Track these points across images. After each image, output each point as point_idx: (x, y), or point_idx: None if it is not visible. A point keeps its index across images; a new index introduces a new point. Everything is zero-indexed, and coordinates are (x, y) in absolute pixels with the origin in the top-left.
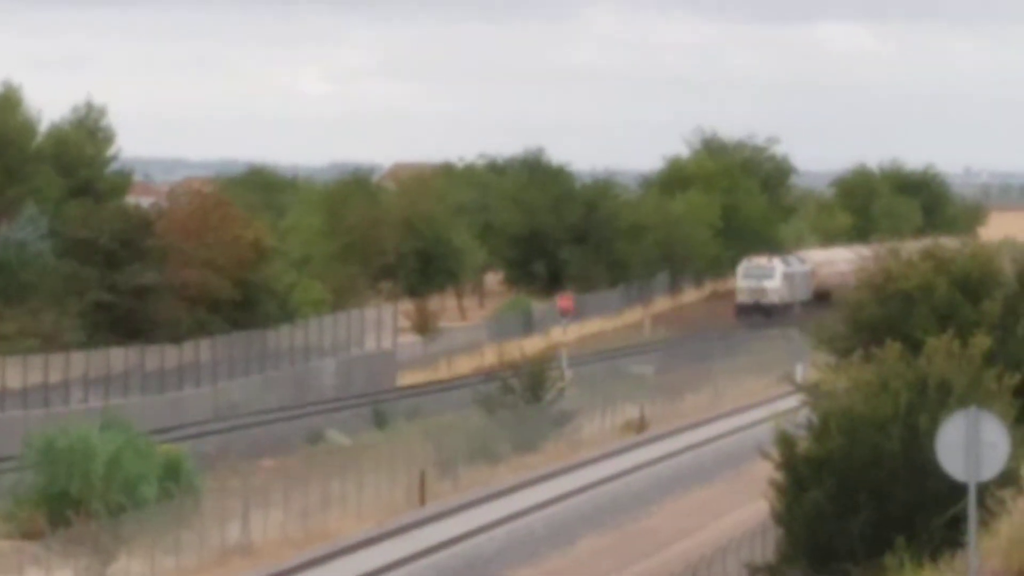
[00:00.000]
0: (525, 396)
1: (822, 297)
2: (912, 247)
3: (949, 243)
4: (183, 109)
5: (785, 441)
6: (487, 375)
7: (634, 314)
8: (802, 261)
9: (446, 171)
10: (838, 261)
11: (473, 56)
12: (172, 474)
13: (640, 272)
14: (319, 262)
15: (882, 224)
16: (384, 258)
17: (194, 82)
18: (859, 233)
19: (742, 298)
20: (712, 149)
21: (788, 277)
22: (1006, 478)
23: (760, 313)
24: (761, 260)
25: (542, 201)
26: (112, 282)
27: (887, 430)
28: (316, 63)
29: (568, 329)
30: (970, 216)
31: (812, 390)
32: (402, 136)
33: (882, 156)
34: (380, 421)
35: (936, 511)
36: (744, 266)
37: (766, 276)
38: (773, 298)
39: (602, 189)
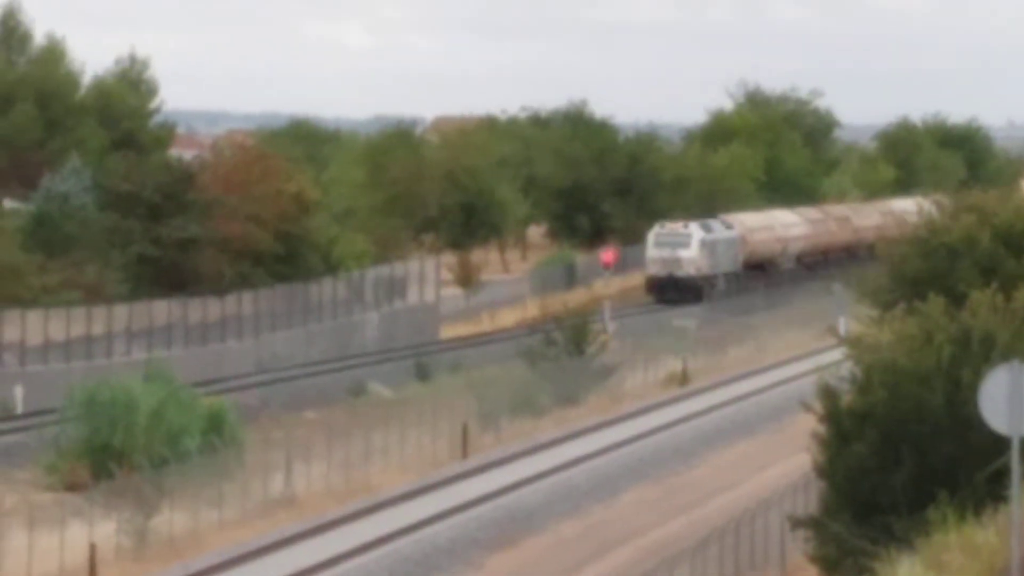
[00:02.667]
0: (568, 349)
1: (754, 268)
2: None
3: (991, 197)
4: (226, 62)
5: (828, 394)
6: (530, 328)
7: None
8: (728, 226)
9: (489, 124)
10: (776, 226)
11: (517, 9)
12: (215, 426)
13: None
14: (362, 215)
15: (925, 178)
16: (427, 211)
17: (238, 35)
18: (902, 187)
19: (654, 270)
20: (755, 102)
21: (708, 245)
22: None
23: (675, 288)
24: (675, 226)
25: (585, 154)
26: (155, 235)
27: (930, 383)
28: (360, 16)
29: (610, 282)
30: (1013, 170)
31: (855, 343)
32: (445, 89)
33: (925, 109)
34: (423, 374)
35: (979, 465)
36: (655, 233)
37: (681, 244)
38: (689, 270)
39: (645, 142)
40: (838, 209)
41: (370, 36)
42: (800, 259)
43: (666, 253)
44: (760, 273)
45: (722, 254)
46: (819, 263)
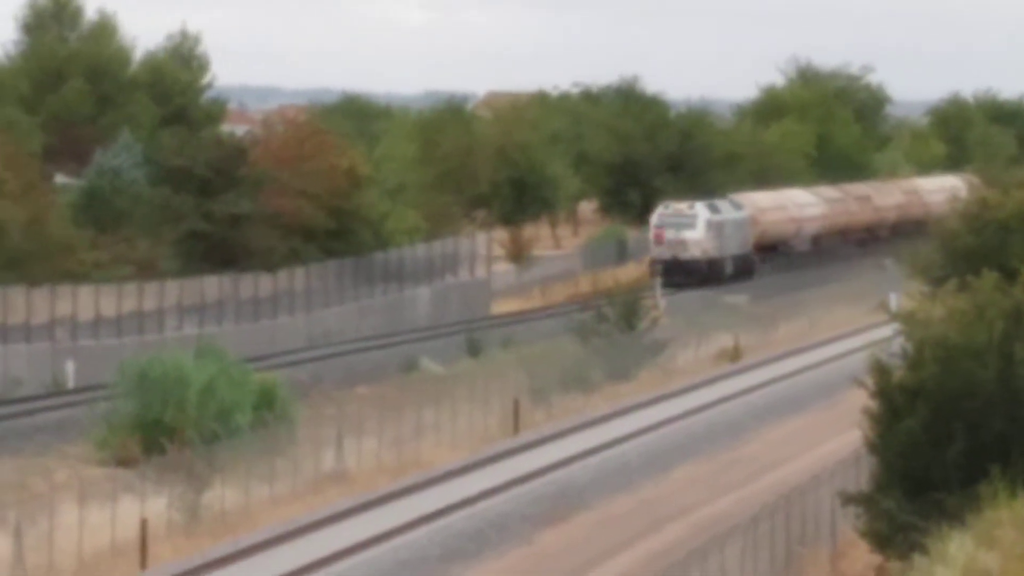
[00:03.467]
0: (619, 325)
1: (766, 251)
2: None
3: None
4: (278, 37)
5: (879, 370)
6: (581, 304)
7: None
8: (737, 207)
9: (540, 99)
10: (789, 206)
11: None
12: (266, 402)
13: None
14: (413, 190)
15: (976, 153)
16: (478, 187)
17: (290, 10)
18: (953, 162)
19: (657, 252)
20: (807, 78)
21: (715, 226)
22: None
23: (680, 271)
24: (680, 205)
25: (637, 130)
26: (207, 210)
27: (982, 359)
28: None
29: None
30: None
31: (907, 319)
32: (497, 64)
33: (977, 85)
34: (474, 349)
35: None
36: (659, 213)
37: (686, 225)
38: (695, 252)
39: (697, 118)
40: (858, 188)
41: (424, 11)
42: (817, 240)
43: (670, 235)
44: (771, 255)
45: (730, 236)
46: (837, 245)
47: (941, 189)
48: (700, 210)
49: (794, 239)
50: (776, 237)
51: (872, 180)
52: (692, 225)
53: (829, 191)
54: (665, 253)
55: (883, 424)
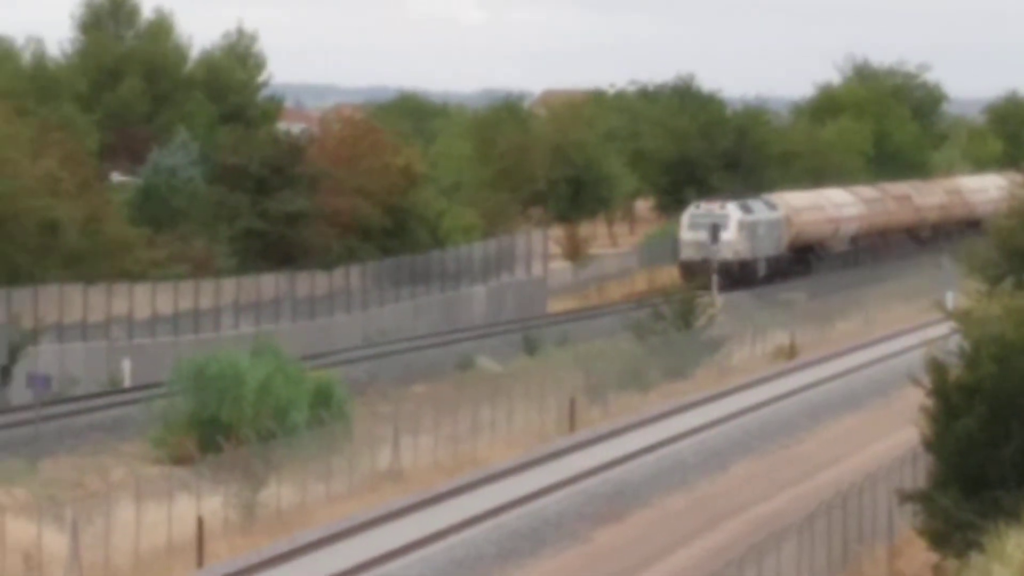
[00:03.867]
0: (675, 323)
1: (801, 252)
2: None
3: None
4: (335, 36)
5: (936, 368)
6: (637, 302)
7: None
8: (771, 207)
9: (596, 98)
10: (827, 206)
11: None
12: (322, 400)
13: None
14: (470, 188)
15: None
16: (534, 185)
17: (347, 8)
18: (1010, 160)
19: (688, 254)
20: (863, 76)
21: (748, 227)
22: None
23: (716, 274)
24: (712, 206)
25: (693, 128)
26: (263, 208)
27: None
28: None
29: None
30: None
31: (963, 317)
32: (553, 63)
33: None
34: (530, 347)
35: None
36: (690, 213)
37: (718, 226)
38: (727, 254)
39: (753, 116)
40: (898, 187)
41: (482, 10)
42: (855, 241)
43: (701, 236)
44: (806, 257)
45: (763, 236)
46: (878, 245)
47: (983, 188)
48: (732, 210)
49: (831, 239)
50: (812, 238)
51: (921, 179)
52: (724, 226)
53: (867, 191)
54: (696, 255)
55: (940, 422)
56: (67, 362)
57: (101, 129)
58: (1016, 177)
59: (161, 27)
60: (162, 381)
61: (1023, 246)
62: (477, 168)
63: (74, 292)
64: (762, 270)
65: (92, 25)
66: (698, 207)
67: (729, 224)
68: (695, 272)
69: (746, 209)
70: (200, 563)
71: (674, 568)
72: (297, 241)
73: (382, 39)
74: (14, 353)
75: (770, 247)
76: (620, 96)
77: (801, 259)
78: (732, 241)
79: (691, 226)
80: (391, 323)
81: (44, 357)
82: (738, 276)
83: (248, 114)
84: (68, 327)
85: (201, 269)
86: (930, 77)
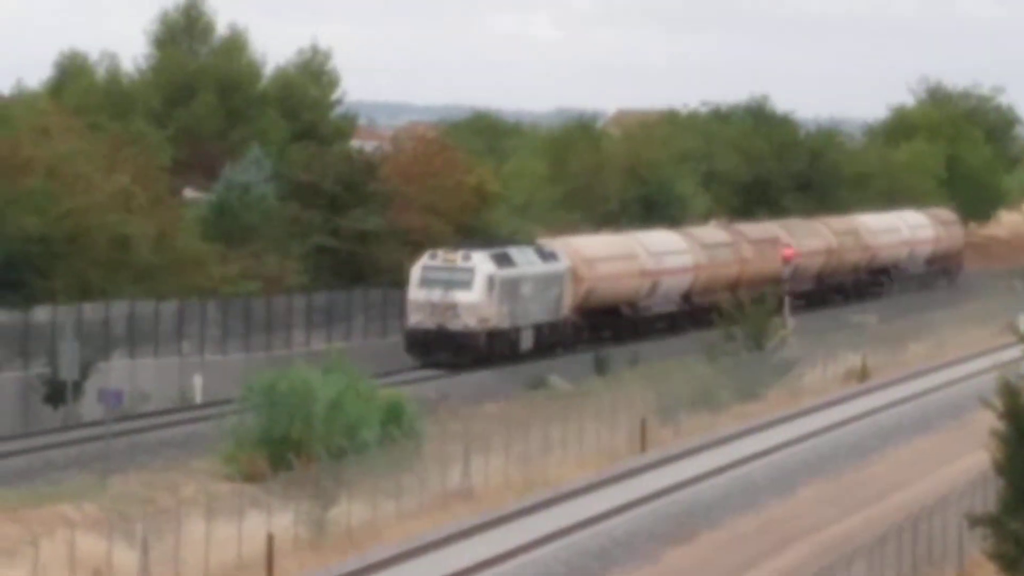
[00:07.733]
0: (747, 344)
1: (597, 316)
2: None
3: None
4: (408, 54)
5: (1008, 391)
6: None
7: None
8: (547, 256)
9: (670, 118)
10: (641, 255)
11: (700, 2)
12: (393, 418)
13: None
14: (542, 207)
15: None
16: (607, 204)
17: (420, 26)
18: None
19: (417, 319)
20: (936, 98)
21: (505, 285)
22: None
23: (446, 347)
24: (453, 256)
25: (766, 149)
26: (335, 226)
27: None
28: (547, 8)
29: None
30: None
31: None
32: (626, 82)
33: None
34: (602, 367)
35: None
36: (423, 265)
37: (458, 283)
38: (468, 320)
39: (826, 137)
40: (764, 228)
41: (556, 29)
42: (688, 298)
43: (435, 295)
44: (605, 321)
45: (530, 297)
46: (712, 305)
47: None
48: (480, 261)
49: (645, 301)
50: (610, 297)
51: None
52: (467, 283)
53: (705, 232)
54: (427, 320)
55: (1011, 445)
56: (138, 378)
57: (174, 145)
58: None
59: (235, 43)
60: (233, 398)
61: None
62: (549, 187)
63: (146, 307)
64: (527, 342)
65: (167, 41)
66: (434, 257)
67: (474, 281)
68: (428, 345)
69: (501, 260)
70: None
71: None
72: (369, 258)
73: (456, 57)
74: (85, 369)
75: (541, 311)
76: (693, 116)
77: (597, 324)
78: (477, 304)
79: (423, 282)
80: None
81: (115, 373)
82: (486, 351)
83: (321, 131)
84: (139, 343)
85: (273, 286)
86: (1003, 100)
